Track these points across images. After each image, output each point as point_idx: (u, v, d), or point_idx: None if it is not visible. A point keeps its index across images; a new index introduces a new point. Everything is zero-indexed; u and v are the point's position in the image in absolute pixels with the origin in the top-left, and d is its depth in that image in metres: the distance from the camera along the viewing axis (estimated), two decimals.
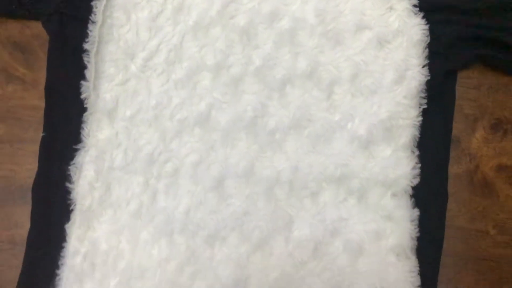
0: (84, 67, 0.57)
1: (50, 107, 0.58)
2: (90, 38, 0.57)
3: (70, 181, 0.57)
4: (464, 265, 0.58)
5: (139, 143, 0.57)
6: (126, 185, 0.57)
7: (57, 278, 0.55)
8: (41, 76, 0.60)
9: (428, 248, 0.55)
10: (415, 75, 0.56)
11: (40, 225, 0.56)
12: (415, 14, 0.56)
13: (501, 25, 0.56)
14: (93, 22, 0.57)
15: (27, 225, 0.56)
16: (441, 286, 0.57)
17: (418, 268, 0.55)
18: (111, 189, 0.57)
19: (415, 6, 0.56)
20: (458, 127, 0.59)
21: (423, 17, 0.56)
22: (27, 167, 0.59)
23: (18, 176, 0.60)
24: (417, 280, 0.54)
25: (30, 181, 0.57)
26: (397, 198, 0.55)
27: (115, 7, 0.58)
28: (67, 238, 0.56)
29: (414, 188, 0.56)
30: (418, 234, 0.55)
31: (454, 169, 0.59)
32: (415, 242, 0.55)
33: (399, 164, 0.55)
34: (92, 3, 0.57)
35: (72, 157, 0.57)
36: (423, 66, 0.56)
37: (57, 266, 0.55)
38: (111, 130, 0.57)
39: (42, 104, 0.59)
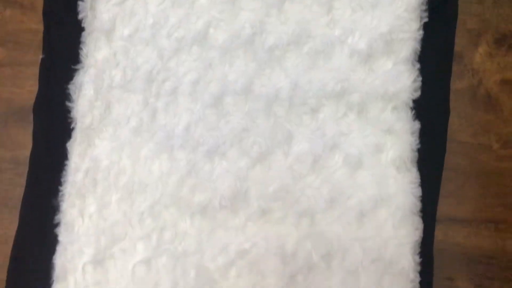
0: None
1: (48, 29, 0.59)
2: None
3: (70, 100, 0.57)
4: (466, 179, 0.58)
5: (137, 62, 0.57)
6: (126, 103, 0.57)
7: (60, 194, 0.55)
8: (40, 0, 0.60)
9: (429, 160, 0.55)
10: None
11: (42, 144, 0.57)
12: None
13: None
14: None
15: (29, 145, 0.57)
16: (444, 200, 0.56)
17: (419, 180, 0.54)
18: (110, 107, 0.57)
19: None
20: (460, 42, 0.58)
21: None
22: (28, 89, 0.60)
23: (19, 98, 0.61)
24: (418, 191, 0.54)
25: (31, 102, 0.58)
26: (398, 111, 0.55)
27: None
28: (68, 155, 0.56)
29: (415, 102, 0.56)
30: (419, 146, 0.54)
31: (457, 84, 0.58)
32: (416, 154, 0.54)
33: (399, 77, 0.55)
34: None
35: (71, 77, 0.57)
36: None
37: (59, 183, 0.55)
38: (109, 50, 0.57)
39: (40, 27, 0.60)
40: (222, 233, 0.54)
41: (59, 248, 0.55)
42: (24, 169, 0.58)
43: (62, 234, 0.55)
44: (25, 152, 0.58)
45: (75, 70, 0.58)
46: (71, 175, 0.56)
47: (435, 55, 0.56)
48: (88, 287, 0.54)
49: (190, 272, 0.53)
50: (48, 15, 0.59)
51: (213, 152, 0.56)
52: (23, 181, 0.57)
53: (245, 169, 0.55)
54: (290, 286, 0.52)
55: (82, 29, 0.58)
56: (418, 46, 0.55)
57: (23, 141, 0.60)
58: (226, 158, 0.56)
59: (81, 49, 0.58)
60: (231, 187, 0.54)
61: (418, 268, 0.53)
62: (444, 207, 0.57)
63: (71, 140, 0.57)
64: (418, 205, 0.54)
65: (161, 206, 0.55)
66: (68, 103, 0.58)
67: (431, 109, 0.56)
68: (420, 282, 0.53)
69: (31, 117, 0.58)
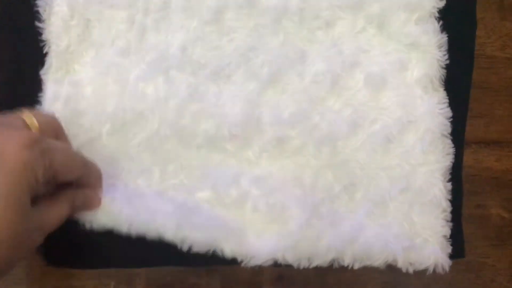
0: None
1: None
2: None
3: (39, 20, 0.48)
4: (496, 96, 0.54)
5: None
6: (108, 21, 0.49)
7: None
8: None
9: (457, 77, 0.50)
10: None
11: (10, 75, 0.48)
12: None
13: None
14: None
15: None
16: (471, 121, 0.53)
17: (447, 100, 0.49)
18: (90, 27, 0.50)
19: None
20: None
21: None
22: None
23: None
24: (448, 112, 0.49)
25: None
26: (423, 23, 0.50)
27: None
28: (43, 86, 0.48)
29: (440, 12, 0.50)
30: (447, 62, 0.49)
31: None
32: (444, 72, 0.49)
33: None
34: None
35: None
36: None
37: None
38: None
39: None
40: (234, 165, 0.47)
41: None
42: None
43: None
44: None
45: None
46: (47, 105, 0.48)
47: None
48: None
49: (202, 207, 0.47)
50: None
51: (217, 75, 0.49)
52: None
53: (255, 92, 0.49)
54: (313, 217, 0.47)
55: None
56: None
57: None
58: (232, 81, 0.49)
59: None
60: (242, 112, 0.48)
61: (449, 196, 0.49)
62: (472, 129, 0.53)
63: (45, 67, 0.49)
64: (448, 127, 0.49)
65: (161, 137, 0.48)
66: (37, 24, 0.49)
67: (457, 20, 0.51)
68: (451, 212, 0.49)
69: None
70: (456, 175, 0.51)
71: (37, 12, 0.50)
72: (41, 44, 0.50)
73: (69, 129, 0.47)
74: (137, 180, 0.48)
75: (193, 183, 0.48)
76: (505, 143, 0.54)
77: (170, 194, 0.48)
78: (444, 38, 0.51)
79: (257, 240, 0.47)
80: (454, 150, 0.51)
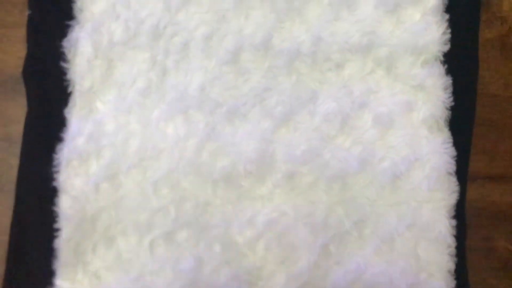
0: None
1: None
2: None
3: (65, 60, 0.52)
4: (500, 133, 0.57)
5: (141, 15, 0.53)
6: (131, 61, 0.53)
7: (56, 161, 0.51)
8: None
9: (460, 117, 0.53)
10: None
11: (37, 113, 0.53)
12: None
13: None
14: None
15: (23, 119, 0.53)
16: (476, 157, 0.56)
17: (452, 139, 0.52)
18: (113, 66, 0.53)
19: None
20: None
21: None
22: (17, 54, 0.56)
23: (7, 65, 0.56)
24: (452, 151, 0.52)
25: (21, 69, 0.54)
26: (428, 66, 0.54)
27: None
28: (66, 123, 0.51)
29: (445, 55, 0.54)
30: (452, 103, 0.52)
31: (485, 33, 0.58)
32: (448, 113, 0.53)
33: (428, 29, 0.54)
34: None
35: (64, 35, 0.53)
36: None
37: (54, 151, 0.51)
38: (106, 1, 0.53)
39: None
40: (248, 203, 0.51)
41: (64, 230, 0.50)
42: (19, 148, 0.53)
43: (65, 208, 0.50)
44: (19, 127, 0.54)
45: (69, 26, 0.53)
46: (71, 140, 0.51)
47: (463, 4, 0.55)
48: (99, 270, 0.50)
49: (215, 246, 0.50)
50: None
51: (233, 114, 0.53)
52: (18, 160, 0.53)
53: (269, 131, 0.53)
54: (321, 257, 0.50)
55: None
56: None
57: (15, 116, 0.55)
58: (247, 119, 0.53)
59: (74, 2, 0.53)
60: (256, 150, 0.52)
61: (454, 232, 0.52)
62: (477, 165, 0.56)
63: (69, 106, 0.52)
64: (453, 165, 0.52)
65: (179, 174, 0.51)
66: (63, 64, 0.52)
67: (461, 63, 0.55)
68: (456, 247, 0.52)
69: (23, 86, 0.53)
70: (460, 211, 0.54)
71: (63, 53, 0.53)
72: (66, 84, 0.53)
73: (89, 166, 0.50)
74: (153, 218, 0.51)
75: (208, 222, 0.52)
76: (509, 178, 0.57)
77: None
78: (449, 80, 0.54)
79: (267, 283, 0.50)
80: (459, 187, 0.54)
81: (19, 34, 0.55)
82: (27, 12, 0.54)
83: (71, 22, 0.54)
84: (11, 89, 0.55)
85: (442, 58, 0.55)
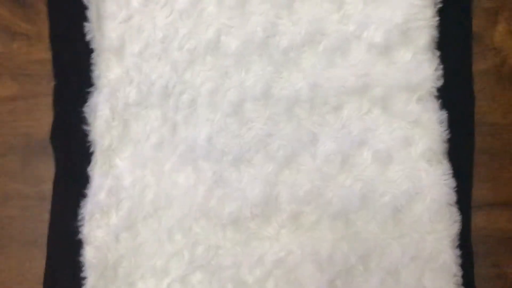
0: (85, 8, 0.58)
1: (57, 55, 0.61)
2: None
3: (86, 124, 0.58)
4: (501, 161, 0.58)
5: (151, 78, 0.58)
6: (144, 120, 0.58)
7: (80, 217, 0.57)
8: (44, 28, 0.63)
9: (460, 149, 0.56)
10: None
11: (64, 173, 0.59)
12: None
13: None
14: None
15: (51, 179, 0.60)
16: (480, 185, 0.57)
17: (451, 171, 0.54)
18: (128, 125, 0.59)
19: None
20: (478, 22, 0.60)
21: None
22: (45, 120, 0.62)
23: (37, 131, 0.63)
24: (452, 182, 0.54)
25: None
26: (423, 102, 0.56)
27: None
28: (90, 180, 0.57)
29: (439, 90, 0.57)
30: (448, 136, 0.55)
31: (480, 65, 0.59)
32: (446, 145, 0.55)
33: (421, 67, 0.56)
34: None
35: (85, 101, 0.59)
36: None
37: (79, 207, 0.58)
38: (121, 68, 0.59)
39: (49, 56, 0.62)
40: (256, 244, 0.55)
41: (89, 278, 0.56)
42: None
43: (90, 257, 0.56)
44: (50, 186, 0.61)
45: (89, 93, 0.60)
46: (93, 195, 0.57)
47: (454, 39, 0.58)
48: None
49: (227, 286, 0.54)
50: (55, 41, 0.61)
51: (238, 160, 0.57)
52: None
53: (273, 174, 0.56)
54: None
55: (91, 51, 0.60)
56: (435, 33, 0.57)
57: (46, 175, 0.62)
58: (252, 165, 0.57)
59: (93, 70, 0.60)
60: (261, 194, 0.56)
61: (459, 261, 0.53)
62: (482, 193, 0.58)
63: (91, 164, 0.58)
64: (453, 196, 0.54)
65: (191, 220, 0.56)
66: (85, 127, 0.59)
67: (456, 96, 0.57)
68: (462, 276, 0.53)
69: (51, 149, 0.61)
70: (465, 240, 0.55)
71: (85, 117, 0.60)
72: (88, 144, 0.60)
73: (110, 218, 0.56)
74: (169, 262, 0.56)
75: (219, 264, 0.56)
76: None
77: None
78: (444, 114, 0.56)
79: None
80: (462, 217, 0.55)
81: (47, 102, 0.62)
82: (52, 83, 0.61)
83: (90, 89, 0.60)
84: (42, 152, 0.62)
85: (436, 93, 0.57)
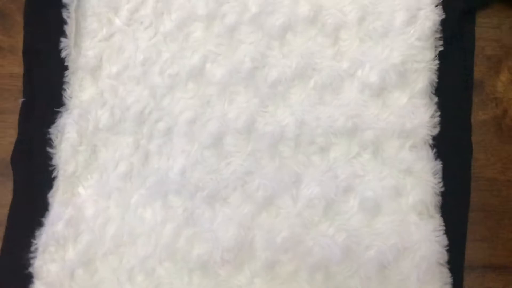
0: (64, 23, 0.55)
1: (29, 70, 0.57)
2: None
3: (51, 146, 0.54)
4: (499, 220, 0.55)
5: (127, 102, 0.54)
6: (114, 146, 0.54)
7: (34, 248, 0.51)
8: (19, 41, 0.59)
9: (454, 204, 0.52)
10: (429, 14, 0.54)
11: (21, 199, 0.55)
12: None
13: None
14: None
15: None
16: (476, 245, 0.53)
17: (443, 227, 0.50)
18: (97, 151, 0.54)
19: None
20: (480, 70, 0.57)
21: None
22: (9, 139, 0.58)
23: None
24: (444, 240, 0.50)
25: None
26: (417, 150, 0.53)
27: None
28: (49, 207, 0.52)
29: (434, 139, 0.53)
30: (442, 189, 0.50)
31: (480, 115, 0.56)
32: (439, 198, 0.51)
33: (416, 112, 0.53)
34: None
35: (53, 121, 0.55)
36: (437, 5, 0.54)
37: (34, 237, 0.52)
38: (95, 89, 0.55)
39: (21, 71, 0.58)
40: None
41: None
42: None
43: None
44: (5, 211, 0.55)
45: (58, 113, 0.55)
46: (50, 225, 0.52)
47: (454, 86, 0.55)
48: None
49: None
50: (28, 55, 0.58)
51: (213, 198, 0.53)
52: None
53: (249, 216, 0.52)
54: None
55: (65, 68, 0.56)
56: (434, 77, 0.54)
57: (3, 199, 0.56)
58: (228, 204, 0.53)
59: (65, 89, 0.56)
60: (235, 237, 0.51)
61: None
62: (476, 253, 0.54)
63: (53, 190, 0.54)
64: (445, 255, 0.49)
65: (155, 261, 0.51)
66: (49, 149, 0.54)
67: (452, 147, 0.54)
68: None
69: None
70: None
71: (50, 139, 0.55)
72: (51, 169, 0.55)
73: (66, 251, 0.51)
74: None
75: None
76: (511, 268, 0.54)
77: None
78: (438, 165, 0.53)
79: None
80: (453, 279, 0.50)
81: (13, 120, 0.57)
82: (21, 100, 0.57)
83: (60, 109, 0.56)
84: (1, 173, 0.57)
85: (431, 142, 0.53)
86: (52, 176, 0.55)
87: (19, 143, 0.56)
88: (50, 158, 0.55)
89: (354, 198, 0.53)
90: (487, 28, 0.58)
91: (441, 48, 0.55)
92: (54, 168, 0.55)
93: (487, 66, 0.58)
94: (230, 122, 0.54)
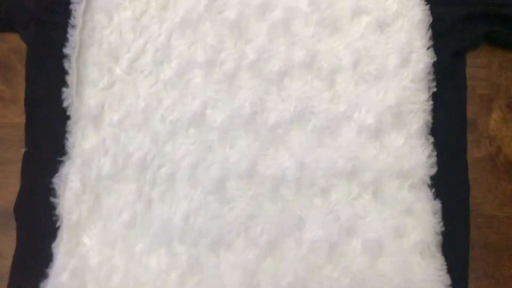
0: (65, 73, 0.56)
1: (31, 120, 0.57)
2: (70, 43, 0.56)
3: (54, 196, 0.54)
4: (500, 256, 0.55)
5: (129, 149, 0.55)
6: (117, 194, 0.54)
7: None
8: (21, 91, 0.60)
9: (454, 242, 0.52)
10: (421, 57, 0.55)
11: (25, 249, 0.54)
12: None
13: (504, 0, 0.55)
14: (73, 26, 0.57)
15: (12, 255, 0.54)
16: (477, 282, 0.53)
17: (446, 266, 0.51)
18: (100, 199, 0.55)
19: None
20: (473, 109, 0.58)
21: None
22: (11, 189, 0.58)
23: (2, 200, 0.58)
24: (447, 279, 0.50)
25: None
26: (416, 190, 0.54)
27: (96, 9, 0.57)
28: (53, 258, 0.52)
29: (432, 178, 0.54)
30: (442, 229, 0.51)
31: (474, 153, 0.57)
32: (440, 238, 0.52)
33: (413, 153, 0.54)
34: (71, 7, 0.57)
35: (56, 171, 0.55)
36: (428, 48, 0.56)
37: None
38: (97, 137, 0.56)
39: (23, 121, 0.59)
40: None
41: None
42: (5, 285, 0.54)
43: None
44: (7, 262, 0.55)
45: (61, 162, 0.56)
46: (55, 276, 0.52)
47: (448, 126, 0.56)
48: None
49: None
50: (30, 105, 0.58)
51: (217, 244, 0.53)
52: None
53: (254, 261, 0.52)
54: None
55: (67, 118, 0.57)
56: (429, 118, 0.55)
57: (6, 251, 0.56)
58: (232, 249, 0.53)
59: (67, 139, 0.56)
60: (240, 283, 0.51)
61: None
62: None
63: (57, 240, 0.54)
64: None
65: None
66: (52, 199, 0.54)
67: (450, 186, 0.55)
68: None
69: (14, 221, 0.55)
70: None
71: (53, 188, 0.55)
72: (55, 219, 0.55)
73: None
74: None
75: None
76: None
77: None
78: (437, 204, 0.53)
79: None
80: None
81: (15, 170, 0.57)
82: (23, 149, 0.57)
83: (63, 158, 0.56)
84: (4, 224, 0.57)
85: (429, 182, 0.54)
86: (56, 226, 0.55)
87: (22, 193, 0.56)
88: (54, 208, 0.55)
89: (356, 240, 0.53)
90: (477, 68, 0.60)
91: (434, 89, 0.56)
92: (58, 218, 0.55)
93: (479, 105, 0.59)
94: (232, 166, 0.55)
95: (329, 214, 0.54)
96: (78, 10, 0.57)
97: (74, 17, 0.57)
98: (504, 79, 0.60)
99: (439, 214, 0.53)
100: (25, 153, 0.57)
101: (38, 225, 0.55)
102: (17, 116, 0.60)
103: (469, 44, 0.59)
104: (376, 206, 0.54)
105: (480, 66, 0.60)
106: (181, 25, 0.58)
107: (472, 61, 0.60)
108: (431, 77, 0.56)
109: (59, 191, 0.55)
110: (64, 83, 0.57)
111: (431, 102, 0.56)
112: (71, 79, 0.57)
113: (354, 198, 0.54)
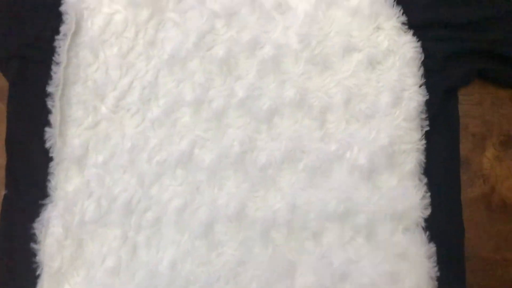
0: (48, 112, 0.54)
1: (12, 161, 0.55)
2: (54, 80, 0.54)
3: (35, 241, 0.52)
4: None
5: (114, 191, 0.53)
6: (101, 240, 0.52)
7: None
8: (2, 131, 0.58)
9: (450, 285, 0.50)
10: (413, 95, 0.54)
11: None
12: (405, 32, 0.55)
13: (496, 37, 0.55)
14: (57, 63, 0.55)
15: None
16: None
17: None
18: (83, 245, 0.53)
19: (403, 24, 0.55)
20: (466, 147, 0.58)
21: (413, 35, 0.54)
22: None
23: None
24: None
25: None
26: (410, 233, 0.53)
27: (81, 45, 0.56)
28: None
29: (426, 220, 0.53)
30: (437, 274, 0.50)
31: (468, 193, 0.56)
32: (435, 283, 0.50)
33: (407, 194, 0.53)
34: (55, 44, 0.55)
35: (37, 215, 0.53)
36: (420, 85, 0.55)
37: None
38: (81, 179, 0.54)
39: (3, 161, 0.56)
40: None
41: None
42: None
43: None
44: None
45: (42, 206, 0.53)
46: None
47: (442, 165, 0.55)
48: None
49: None
50: (11, 145, 0.56)
51: None
52: None
53: None
54: None
55: (50, 159, 0.55)
56: (422, 157, 0.54)
57: None
58: None
59: (49, 181, 0.54)
60: None
61: None
62: None
63: None
64: None
65: None
66: (33, 245, 0.52)
67: (444, 228, 0.54)
68: None
69: None
70: None
71: (34, 234, 0.53)
72: (35, 266, 0.52)
73: None
74: None
75: None
76: None
77: None
78: (432, 248, 0.52)
79: None
80: None
81: None
82: (3, 191, 0.55)
83: (44, 201, 0.54)
84: None
85: (423, 224, 0.53)
86: (36, 274, 0.52)
87: (1, 238, 0.53)
88: (34, 255, 0.53)
89: (350, 285, 0.52)
90: (470, 105, 0.59)
91: (427, 128, 0.55)
92: (38, 265, 0.53)
93: (472, 143, 0.58)
94: (220, 208, 0.53)
95: (321, 258, 0.53)
96: (62, 46, 0.56)
97: (58, 54, 0.56)
98: (497, 116, 0.59)
99: (434, 258, 0.52)
100: (5, 196, 0.55)
101: (16, 273, 0.53)
102: None
103: (461, 81, 0.58)
104: (369, 250, 0.53)
105: (472, 103, 0.59)
106: (169, 62, 0.56)
107: (464, 98, 0.59)
108: (424, 115, 0.55)
109: (40, 236, 0.53)
110: (47, 123, 0.55)
111: (424, 141, 0.55)
112: (54, 118, 0.55)
113: (347, 241, 0.53)
